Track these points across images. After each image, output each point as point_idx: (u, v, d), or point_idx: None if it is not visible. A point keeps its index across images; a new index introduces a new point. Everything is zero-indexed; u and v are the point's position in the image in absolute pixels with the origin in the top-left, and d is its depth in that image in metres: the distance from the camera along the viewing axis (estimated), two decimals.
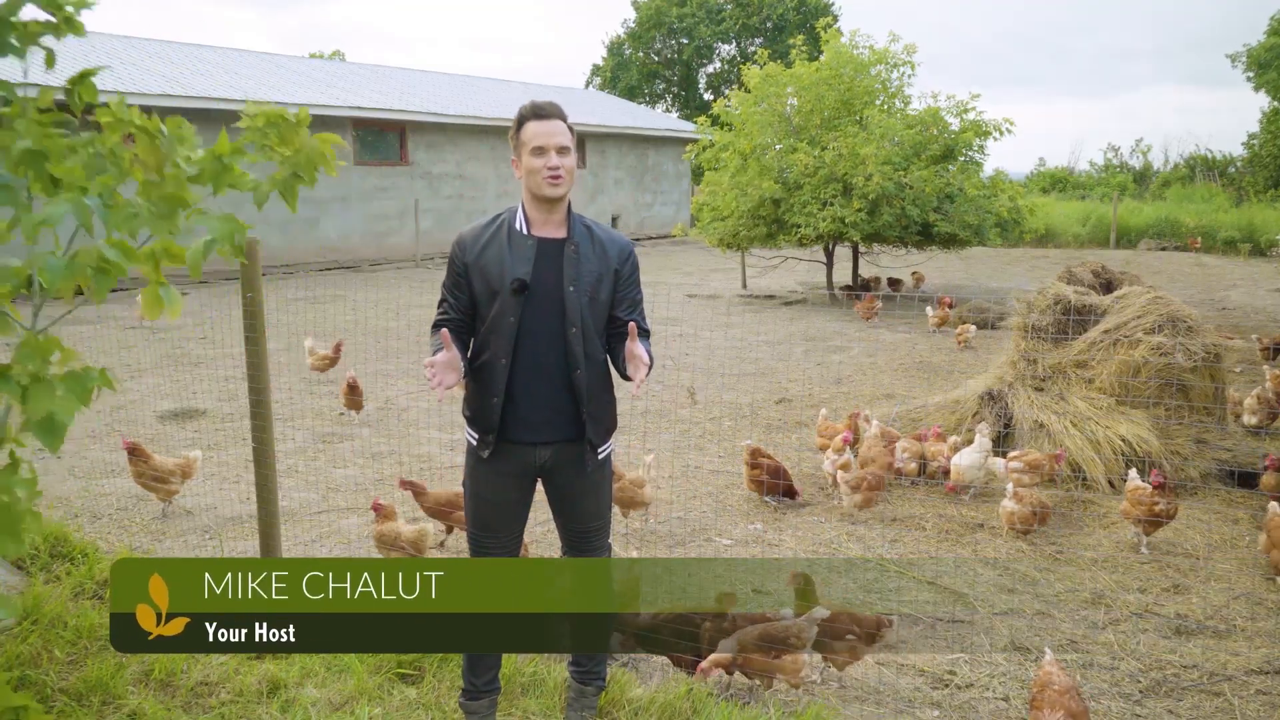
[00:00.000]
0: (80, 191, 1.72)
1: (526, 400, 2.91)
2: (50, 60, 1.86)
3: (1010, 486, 5.33)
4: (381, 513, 4.75)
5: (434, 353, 2.84)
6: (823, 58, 15.45)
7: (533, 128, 2.85)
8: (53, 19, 1.80)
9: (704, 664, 3.49)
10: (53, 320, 1.85)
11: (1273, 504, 4.84)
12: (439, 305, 3.03)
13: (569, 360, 2.89)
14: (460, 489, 5.15)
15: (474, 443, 3.00)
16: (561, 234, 2.94)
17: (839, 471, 5.77)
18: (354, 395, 7.70)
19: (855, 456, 6.07)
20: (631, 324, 2.86)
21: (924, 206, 13.77)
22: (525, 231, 2.92)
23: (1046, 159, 54.00)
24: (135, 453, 5.49)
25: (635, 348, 2.83)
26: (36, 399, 1.67)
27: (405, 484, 5.17)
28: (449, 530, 5.24)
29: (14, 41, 1.78)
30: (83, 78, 1.87)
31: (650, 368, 2.88)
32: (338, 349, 9.21)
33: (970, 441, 6.13)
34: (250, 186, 1.93)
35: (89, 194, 1.73)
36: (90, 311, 12.45)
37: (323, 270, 19.51)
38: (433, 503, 5.12)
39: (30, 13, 1.81)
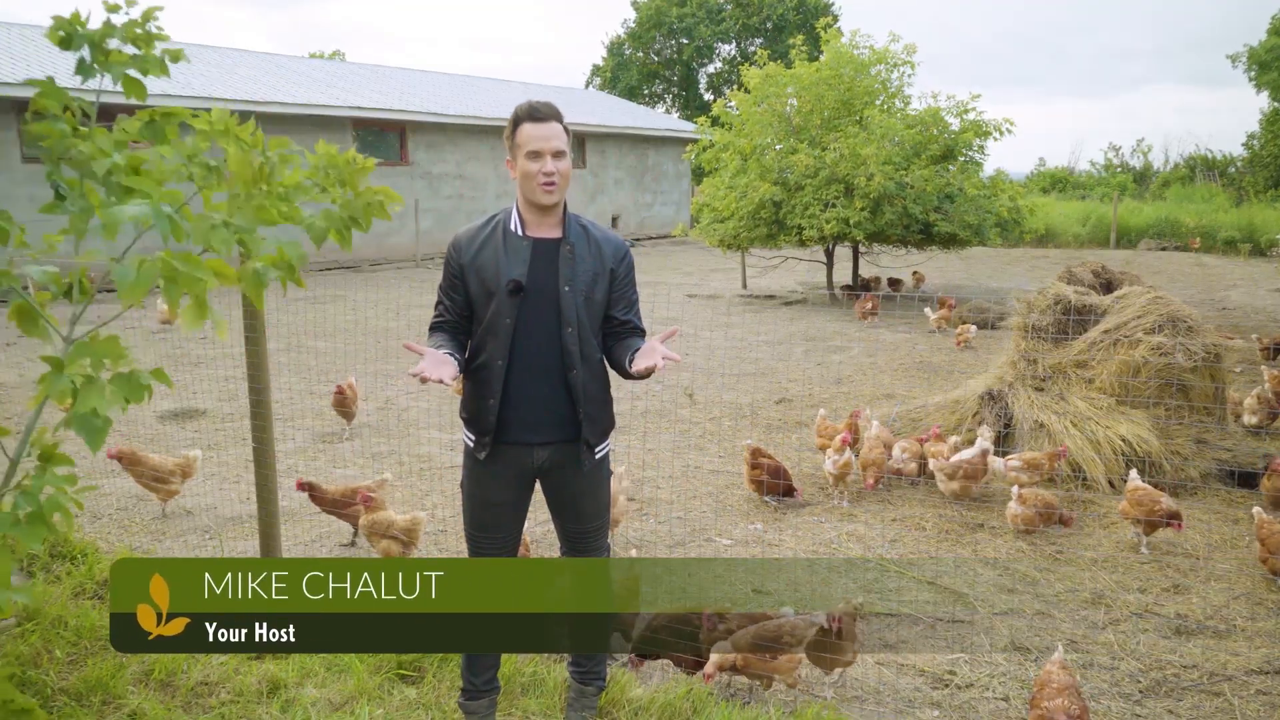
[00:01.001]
0: (154, 199, 1.73)
1: (523, 401, 2.91)
2: (138, 91, 1.87)
3: (1016, 489, 5.31)
4: (370, 505, 4.73)
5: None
6: (823, 58, 15.45)
7: (528, 130, 2.82)
8: (138, 52, 1.84)
9: (708, 669, 3.48)
10: (98, 324, 1.86)
11: (1256, 509, 4.83)
12: (435, 306, 3.03)
13: (565, 360, 2.89)
14: (355, 485, 5.08)
15: (471, 444, 2.99)
16: (557, 234, 2.93)
17: (932, 460, 5.88)
18: (342, 404, 7.35)
19: (856, 456, 6.07)
20: (673, 330, 2.88)
21: (925, 205, 13.78)
22: (520, 232, 2.91)
23: (1046, 159, 54.07)
24: (127, 459, 5.43)
25: (658, 346, 2.80)
26: (86, 398, 1.69)
27: (302, 485, 5.13)
28: (355, 531, 5.16)
29: (96, 66, 1.81)
30: (169, 115, 1.89)
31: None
32: None
33: (971, 442, 6.13)
34: (306, 224, 1.94)
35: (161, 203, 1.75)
36: (92, 312, 12.42)
37: (323, 270, 19.51)
38: (329, 502, 5.06)
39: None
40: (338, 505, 5.08)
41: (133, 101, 1.94)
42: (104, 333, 1.81)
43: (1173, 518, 5.00)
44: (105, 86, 1.90)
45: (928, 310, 12.77)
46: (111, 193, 1.76)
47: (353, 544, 5.19)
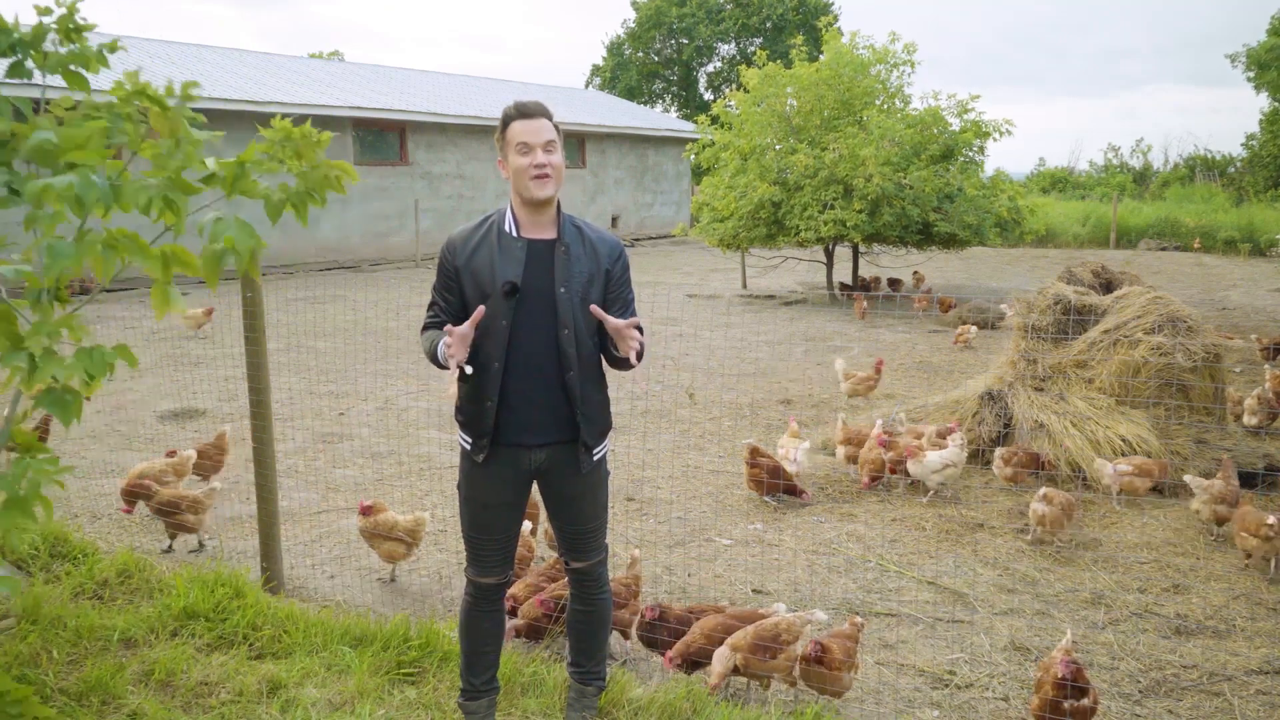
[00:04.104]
0: (89, 169, 1.73)
1: (520, 403, 2.89)
2: (80, 84, 1.88)
3: (1042, 490, 5.24)
4: (371, 512, 4.66)
5: (432, 348, 2.84)
6: (823, 58, 15.46)
7: (518, 126, 2.81)
8: (75, 47, 1.85)
9: (712, 679, 3.48)
10: (66, 312, 1.85)
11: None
12: (429, 308, 3.00)
13: (562, 362, 2.87)
14: (186, 489, 5.08)
15: (468, 447, 2.98)
16: (552, 235, 2.91)
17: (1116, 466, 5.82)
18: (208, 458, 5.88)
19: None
20: (594, 307, 2.81)
21: (924, 206, 13.79)
22: (515, 234, 2.89)
23: (1046, 159, 54.12)
24: (134, 489, 5.26)
25: (616, 322, 2.77)
26: (45, 368, 1.68)
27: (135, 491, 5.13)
28: (172, 536, 5.08)
29: (30, 65, 1.82)
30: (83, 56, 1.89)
31: (641, 351, 2.82)
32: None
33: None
34: (262, 194, 1.94)
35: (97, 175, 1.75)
36: (90, 311, 12.45)
37: (323, 270, 19.51)
38: (157, 504, 5.02)
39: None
40: (164, 510, 5.01)
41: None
42: (102, 331, 1.82)
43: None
44: (47, 84, 1.90)
45: (1004, 307, 12.82)
46: (55, 172, 1.75)
47: (169, 550, 5.07)
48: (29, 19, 1.89)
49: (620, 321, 2.78)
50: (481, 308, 2.77)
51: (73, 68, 1.88)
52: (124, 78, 1.86)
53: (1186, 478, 5.43)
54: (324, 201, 2.07)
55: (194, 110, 1.93)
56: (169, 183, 1.81)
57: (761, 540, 5.32)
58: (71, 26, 1.87)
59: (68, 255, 1.66)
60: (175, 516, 4.98)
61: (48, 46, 1.87)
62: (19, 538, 4.38)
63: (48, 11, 1.86)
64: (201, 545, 5.16)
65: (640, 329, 2.82)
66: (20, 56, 1.84)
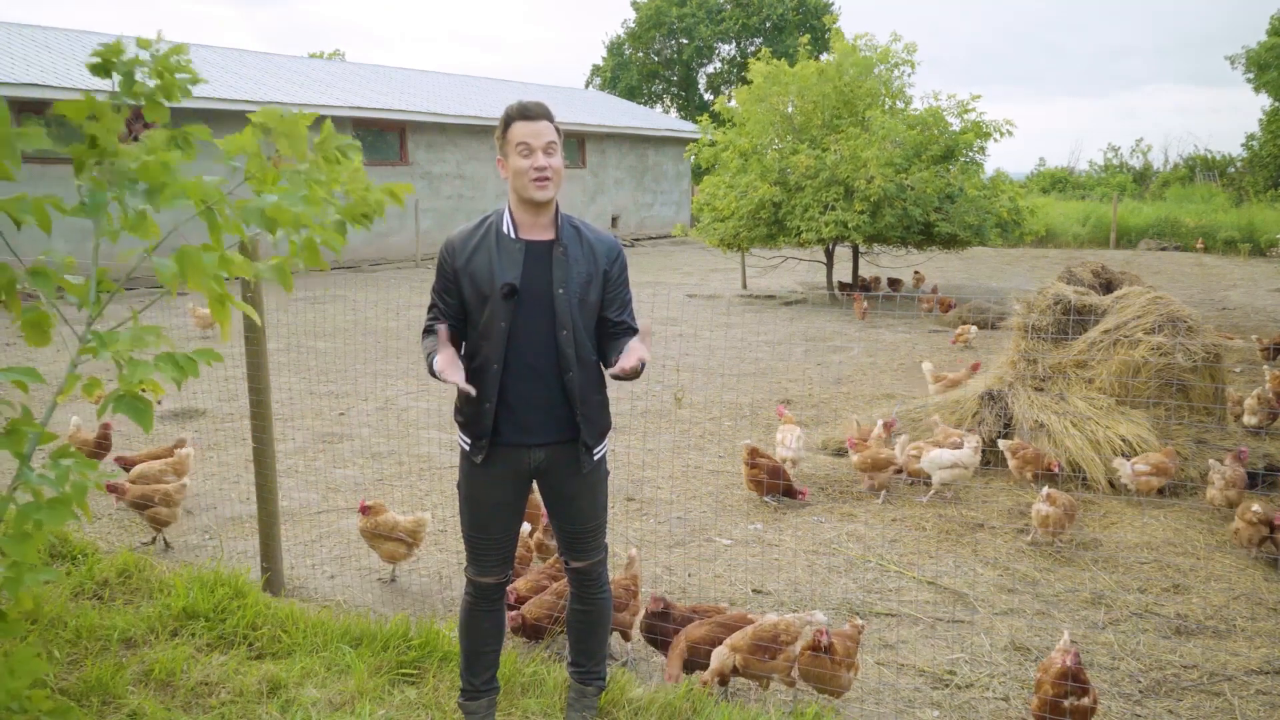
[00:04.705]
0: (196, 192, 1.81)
1: (519, 403, 2.89)
2: (160, 114, 1.97)
3: (1045, 489, 5.24)
4: (372, 512, 4.67)
5: (430, 359, 2.85)
6: (825, 57, 15.45)
7: (519, 128, 2.81)
8: (161, 82, 1.94)
9: (705, 676, 3.49)
10: (122, 320, 1.87)
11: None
12: (429, 310, 3.01)
13: (561, 363, 2.87)
14: (156, 487, 5.11)
15: (467, 448, 2.98)
16: (550, 236, 2.91)
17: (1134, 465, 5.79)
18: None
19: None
20: (646, 324, 2.88)
21: (925, 207, 13.79)
22: (513, 235, 2.89)
23: (1046, 159, 54.10)
24: (120, 486, 5.34)
25: (640, 346, 2.80)
26: (132, 373, 1.73)
27: (111, 488, 5.21)
28: (156, 530, 5.14)
29: (121, 94, 1.93)
30: (189, 133, 1.98)
31: (642, 365, 2.85)
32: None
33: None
34: (319, 227, 2.01)
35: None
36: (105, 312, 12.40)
37: (322, 270, 19.49)
38: (131, 499, 5.11)
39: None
40: (138, 505, 5.09)
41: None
42: (119, 330, 1.85)
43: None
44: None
45: (1017, 306, 12.80)
46: (153, 192, 1.80)
47: (153, 543, 5.16)
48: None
49: (629, 365, 2.77)
50: (443, 329, 2.81)
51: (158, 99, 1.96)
52: (261, 112, 1.94)
53: (1211, 461, 5.48)
54: (370, 224, 2.14)
55: (193, 109, 1.97)
56: (301, 195, 1.86)
57: (761, 540, 5.32)
58: (165, 69, 1.93)
59: (172, 273, 1.72)
60: (149, 510, 5.05)
61: (139, 76, 1.93)
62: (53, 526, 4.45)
63: (147, 45, 1.94)
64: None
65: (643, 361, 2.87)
66: (115, 83, 1.91)
